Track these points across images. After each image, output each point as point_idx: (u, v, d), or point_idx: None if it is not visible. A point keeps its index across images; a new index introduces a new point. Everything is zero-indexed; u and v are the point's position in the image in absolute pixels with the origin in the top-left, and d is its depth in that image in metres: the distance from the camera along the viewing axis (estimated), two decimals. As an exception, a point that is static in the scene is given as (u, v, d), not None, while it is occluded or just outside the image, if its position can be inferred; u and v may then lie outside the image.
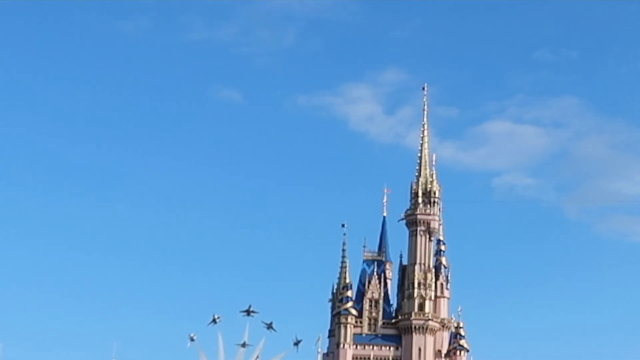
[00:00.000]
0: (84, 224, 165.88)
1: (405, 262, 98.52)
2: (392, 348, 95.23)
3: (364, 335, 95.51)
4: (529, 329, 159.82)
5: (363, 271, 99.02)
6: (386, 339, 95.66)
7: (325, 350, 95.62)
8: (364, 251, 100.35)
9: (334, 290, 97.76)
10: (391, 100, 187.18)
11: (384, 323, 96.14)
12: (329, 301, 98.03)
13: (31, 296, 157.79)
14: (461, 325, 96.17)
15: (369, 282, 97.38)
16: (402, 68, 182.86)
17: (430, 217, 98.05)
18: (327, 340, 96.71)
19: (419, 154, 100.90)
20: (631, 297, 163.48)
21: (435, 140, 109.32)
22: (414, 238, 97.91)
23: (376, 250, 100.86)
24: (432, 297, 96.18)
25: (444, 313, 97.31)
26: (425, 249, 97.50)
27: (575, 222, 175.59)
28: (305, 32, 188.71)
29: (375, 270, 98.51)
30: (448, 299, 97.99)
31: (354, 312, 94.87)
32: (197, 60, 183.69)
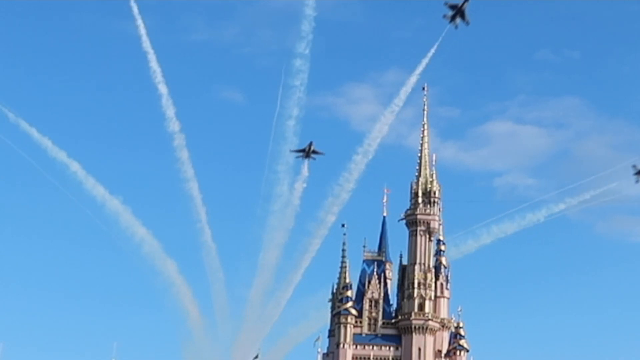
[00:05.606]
0: (84, 224, 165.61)
1: (405, 262, 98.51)
2: (392, 348, 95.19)
3: (364, 335, 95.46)
4: (529, 329, 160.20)
5: (363, 271, 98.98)
6: (386, 339, 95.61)
7: (325, 350, 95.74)
8: (364, 251, 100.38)
9: (334, 290, 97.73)
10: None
11: (384, 323, 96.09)
12: (329, 301, 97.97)
13: (31, 296, 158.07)
14: (461, 325, 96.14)
15: (369, 282, 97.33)
16: (403, 68, 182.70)
17: (430, 217, 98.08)
18: (327, 340, 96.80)
19: (419, 154, 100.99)
20: (631, 297, 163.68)
21: (437, 140, 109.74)
22: (414, 238, 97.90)
23: (376, 250, 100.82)
24: (432, 297, 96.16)
25: (444, 313, 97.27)
26: (425, 249, 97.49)
27: (577, 222, 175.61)
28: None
29: (375, 270, 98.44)
30: (448, 299, 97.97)
31: (354, 312, 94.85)
32: (198, 61, 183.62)
